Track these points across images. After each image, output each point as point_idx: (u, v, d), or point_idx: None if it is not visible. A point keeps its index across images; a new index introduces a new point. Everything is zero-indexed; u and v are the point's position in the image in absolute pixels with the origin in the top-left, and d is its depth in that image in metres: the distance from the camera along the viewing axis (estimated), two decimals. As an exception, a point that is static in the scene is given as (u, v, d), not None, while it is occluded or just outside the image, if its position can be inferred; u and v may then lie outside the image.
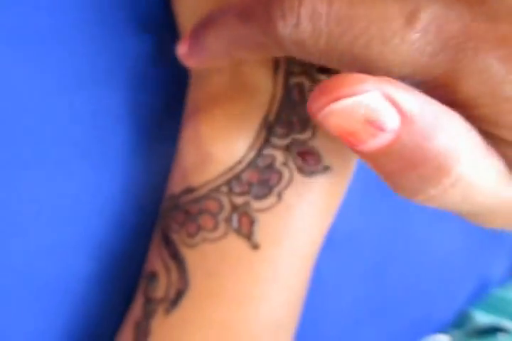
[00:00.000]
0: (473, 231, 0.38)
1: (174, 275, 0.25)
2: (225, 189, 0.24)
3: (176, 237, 0.26)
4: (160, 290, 0.26)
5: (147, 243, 0.28)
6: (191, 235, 0.25)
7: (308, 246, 0.25)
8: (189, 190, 0.25)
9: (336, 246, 0.33)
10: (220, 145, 0.24)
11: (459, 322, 0.42)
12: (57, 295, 0.28)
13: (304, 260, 0.25)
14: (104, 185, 0.27)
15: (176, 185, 0.26)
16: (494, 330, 0.41)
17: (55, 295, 0.28)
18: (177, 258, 0.25)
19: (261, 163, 0.24)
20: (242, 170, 0.24)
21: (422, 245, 0.36)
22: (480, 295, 0.41)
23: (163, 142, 0.28)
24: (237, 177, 0.24)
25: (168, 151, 0.27)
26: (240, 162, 0.24)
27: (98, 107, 0.27)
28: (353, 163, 0.26)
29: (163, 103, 0.28)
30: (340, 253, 0.33)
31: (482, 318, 0.42)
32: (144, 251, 0.28)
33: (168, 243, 0.26)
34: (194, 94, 0.26)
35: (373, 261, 0.34)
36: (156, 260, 0.26)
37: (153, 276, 0.26)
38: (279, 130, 0.24)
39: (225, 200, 0.25)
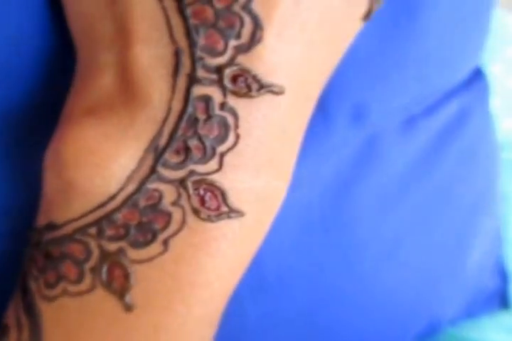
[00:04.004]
0: (424, 267, 0.32)
1: (25, 334, 0.19)
2: (93, 231, 0.18)
3: (34, 286, 0.19)
4: None
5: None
6: (50, 285, 0.19)
7: (205, 316, 0.19)
8: (51, 227, 0.19)
9: (264, 287, 0.27)
10: (86, 173, 0.18)
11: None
12: None
13: (201, 330, 0.20)
14: None
15: (41, 216, 0.20)
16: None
17: None
18: (31, 312, 0.19)
19: (143, 200, 0.18)
20: (116, 209, 0.18)
21: (364, 283, 0.30)
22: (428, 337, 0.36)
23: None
24: (108, 217, 0.18)
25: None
26: (113, 197, 0.18)
27: None
28: (276, 205, 0.20)
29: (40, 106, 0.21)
30: (270, 296, 0.27)
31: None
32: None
33: (26, 292, 0.20)
34: (70, 100, 0.19)
35: (307, 304, 0.28)
36: (11, 311, 0.20)
37: (4, 331, 0.20)
38: (172, 158, 0.18)
39: (93, 245, 0.19)
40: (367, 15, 0.21)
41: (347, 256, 0.29)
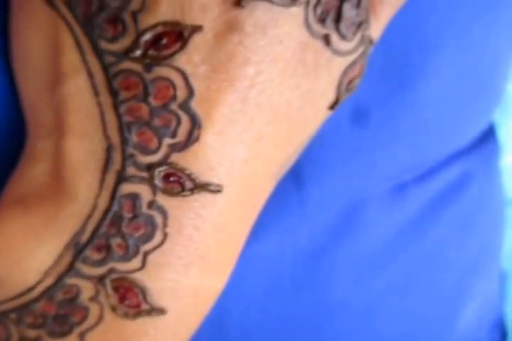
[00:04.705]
0: (406, 333, 0.31)
1: None
2: (13, 316, 0.19)
3: None
4: None
5: None
6: None
7: None
8: None
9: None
10: (6, 266, 0.18)
11: None
12: None
13: None
14: None
15: None
16: None
17: None
18: None
19: (60, 294, 0.18)
20: (35, 300, 0.18)
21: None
22: None
23: None
24: (27, 306, 0.18)
25: None
26: (31, 289, 0.18)
27: None
28: (207, 302, 0.19)
29: None
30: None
31: None
32: None
33: None
34: (8, 186, 0.19)
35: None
36: None
37: None
38: (93, 254, 0.18)
39: (13, 330, 0.19)
40: (334, 105, 0.19)
41: (317, 318, 0.28)
